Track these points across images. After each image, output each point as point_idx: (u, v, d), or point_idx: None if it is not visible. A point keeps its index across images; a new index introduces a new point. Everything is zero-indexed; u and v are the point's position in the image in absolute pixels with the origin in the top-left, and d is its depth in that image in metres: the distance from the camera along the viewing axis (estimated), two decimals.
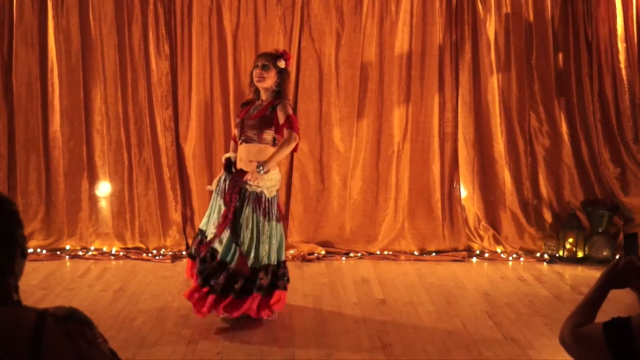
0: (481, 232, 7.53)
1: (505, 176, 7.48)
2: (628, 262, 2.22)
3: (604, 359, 2.12)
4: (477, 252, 7.41)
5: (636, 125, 7.31)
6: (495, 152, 7.46)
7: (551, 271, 6.95)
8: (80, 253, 7.19)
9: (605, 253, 7.15)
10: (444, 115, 7.43)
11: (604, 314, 2.24)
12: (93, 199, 7.37)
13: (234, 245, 5.26)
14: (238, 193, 5.28)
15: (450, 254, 7.33)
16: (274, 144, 5.31)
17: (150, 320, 5.43)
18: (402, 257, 7.27)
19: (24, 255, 1.95)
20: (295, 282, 6.38)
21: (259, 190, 5.27)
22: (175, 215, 7.37)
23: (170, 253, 7.18)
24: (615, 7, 7.22)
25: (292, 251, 7.24)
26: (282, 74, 5.38)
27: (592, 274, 6.76)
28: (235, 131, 5.55)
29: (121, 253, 7.22)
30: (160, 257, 7.12)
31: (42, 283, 6.30)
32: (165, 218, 7.35)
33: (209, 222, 5.50)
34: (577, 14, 7.35)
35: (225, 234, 5.30)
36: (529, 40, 7.39)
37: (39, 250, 7.13)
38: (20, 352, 1.78)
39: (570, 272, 6.96)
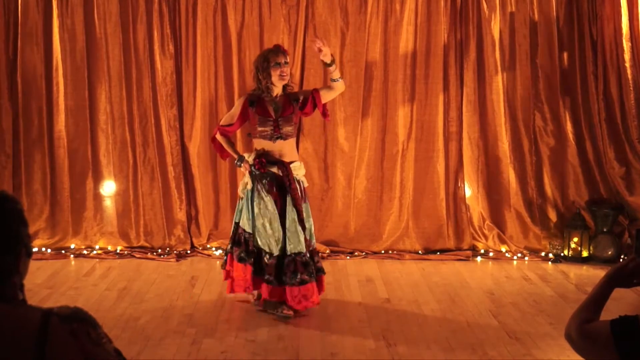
0: (486, 232, 7.52)
1: (510, 175, 7.46)
2: (637, 265, 2.23)
3: (609, 356, 2.12)
4: (482, 251, 7.40)
5: None
6: (499, 151, 7.45)
7: (556, 270, 6.94)
8: (85, 252, 7.20)
9: (610, 252, 7.13)
10: (448, 115, 7.42)
11: (608, 313, 2.24)
12: (98, 198, 7.38)
13: (299, 234, 5.43)
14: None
15: (454, 253, 7.32)
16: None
17: (154, 319, 5.43)
18: (407, 256, 7.26)
19: (29, 254, 1.96)
20: None
21: (300, 179, 5.58)
22: (180, 214, 7.37)
23: (175, 252, 7.19)
24: (620, 6, 7.20)
25: None
26: (289, 65, 5.58)
27: (597, 274, 6.74)
28: (260, 130, 5.49)
29: (126, 252, 7.22)
30: (165, 256, 7.12)
31: (47, 282, 6.32)
32: (170, 217, 7.36)
33: (253, 224, 5.51)
34: (582, 13, 7.34)
35: (275, 227, 5.43)
36: (533, 40, 7.38)
37: (43, 249, 7.15)
38: (25, 351, 1.78)
39: (575, 271, 6.95)
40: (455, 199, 7.48)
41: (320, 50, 5.44)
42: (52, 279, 6.41)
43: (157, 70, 7.26)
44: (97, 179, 7.37)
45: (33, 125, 7.27)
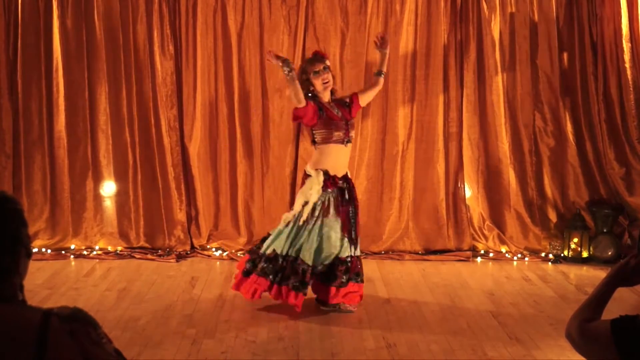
0: (486, 232, 7.52)
1: (510, 176, 7.47)
2: (639, 263, 2.22)
3: (610, 356, 2.12)
4: (482, 251, 7.40)
5: None
6: (500, 151, 7.46)
7: (556, 271, 6.94)
8: (85, 252, 7.20)
9: (610, 253, 7.13)
10: (448, 115, 7.42)
11: (609, 313, 2.24)
12: (98, 198, 7.38)
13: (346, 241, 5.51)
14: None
15: (454, 253, 7.32)
16: None
17: (154, 319, 5.43)
18: (407, 256, 7.26)
19: (29, 254, 1.96)
20: None
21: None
22: (180, 215, 7.37)
23: (175, 252, 7.19)
24: (620, 7, 7.20)
25: None
26: (330, 69, 5.61)
27: (597, 274, 6.74)
28: (336, 134, 5.49)
29: (126, 253, 7.22)
30: (165, 256, 7.12)
31: (47, 282, 6.32)
32: (170, 218, 7.36)
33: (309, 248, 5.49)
34: (582, 14, 7.34)
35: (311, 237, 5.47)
36: (533, 40, 7.38)
37: (43, 249, 7.15)
38: (25, 351, 1.78)
39: (575, 272, 6.95)
40: (456, 200, 7.48)
41: (381, 41, 5.67)
42: (52, 280, 6.41)
43: (157, 70, 7.26)
44: (97, 179, 7.36)
45: (33, 125, 7.27)
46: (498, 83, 7.40)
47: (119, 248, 7.30)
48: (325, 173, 5.50)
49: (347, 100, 5.71)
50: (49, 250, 7.16)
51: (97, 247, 7.30)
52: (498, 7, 7.34)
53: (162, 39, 7.25)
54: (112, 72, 7.26)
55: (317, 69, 5.47)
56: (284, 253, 5.51)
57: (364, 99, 5.82)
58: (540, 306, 5.88)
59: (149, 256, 7.14)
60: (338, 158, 5.56)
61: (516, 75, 7.40)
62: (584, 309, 2.27)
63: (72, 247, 7.26)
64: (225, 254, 7.22)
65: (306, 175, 5.61)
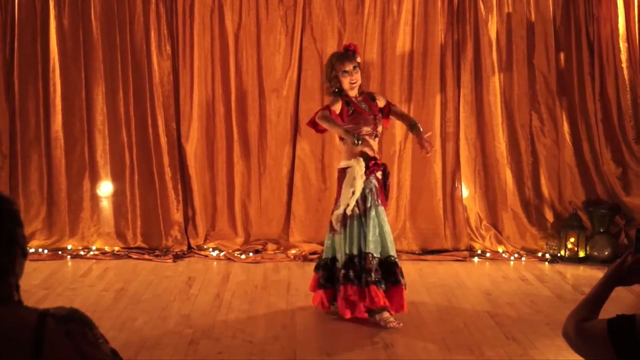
0: (483, 232, 7.52)
1: (507, 176, 7.47)
2: (636, 261, 2.22)
3: (607, 355, 2.12)
4: (479, 251, 7.40)
5: (638, 125, 7.31)
6: (496, 151, 7.46)
7: (553, 271, 6.95)
8: (82, 253, 7.19)
9: (606, 253, 7.14)
10: (445, 115, 7.42)
11: (606, 313, 2.24)
12: (94, 198, 7.37)
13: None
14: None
15: (451, 253, 7.32)
16: None
17: (151, 320, 5.43)
18: (404, 256, 7.24)
19: (25, 254, 1.95)
20: (297, 282, 6.40)
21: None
22: (177, 215, 7.37)
23: (172, 253, 7.18)
24: (617, 7, 7.22)
25: (293, 251, 7.26)
26: (360, 66, 5.39)
27: (594, 274, 6.75)
28: (365, 129, 5.31)
29: (122, 253, 7.21)
30: (162, 256, 7.11)
31: (43, 283, 6.31)
32: (167, 218, 7.36)
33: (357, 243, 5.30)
34: (579, 14, 7.35)
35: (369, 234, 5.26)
36: (530, 40, 7.39)
37: (40, 250, 7.14)
38: (21, 352, 1.78)
39: (572, 271, 6.95)
40: (453, 200, 7.48)
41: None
42: (48, 280, 6.40)
43: (154, 70, 7.26)
44: (94, 179, 7.35)
45: (30, 125, 7.26)
46: (495, 83, 7.40)
47: (116, 248, 7.29)
48: (364, 154, 5.22)
49: (379, 100, 5.49)
50: (45, 251, 7.15)
51: (94, 248, 7.29)
52: (495, 7, 7.35)
53: (159, 39, 7.25)
54: (109, 72, 7.25)
55: (346, 69, 5.27)
56: (350, 252, 5.28)
57: (394, 115, 5.61)
58: (537, 306, 5.88)
59: (146, 256, 7.13)
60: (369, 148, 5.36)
61: (513, 76, 7.41)
62: (581, 309, 2.27)
63: (69, 247, 7.25)
64: (222, 254, 7.21)
65: (340, 172, 5.38)
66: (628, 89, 7.26)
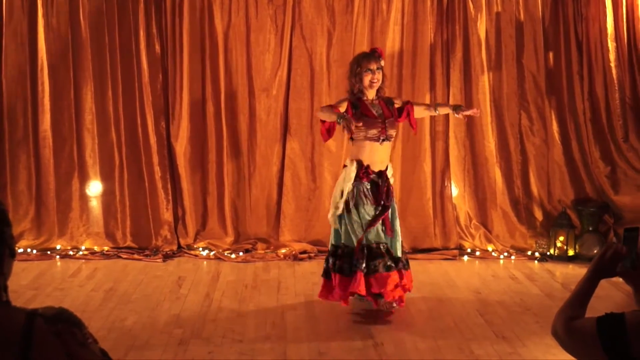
0: (472, 231, 7.54)
1: (496, 175, 7.49)
2: (615, 252, 2.24)
3: (596, 353, 2.13)
4: (469, 250, 7.41)
5: (626, 124, 7.33)
6: (486, 150, 7.48)
7: (542, 269, 6.97)
8: (71, 253, 7.17)
9: (595, 251, 7.16)
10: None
11: (595, 311, 2.25)
12: (84, 198, 7.35)
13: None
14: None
15: (441, 252, 7.33)
16: None
17: (141, 320, 5.42)
18: None
19: (13, 255, 1.94)
20: (287, 281, 6.40)
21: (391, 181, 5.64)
22: (167, 215, 7.35)
23: (161, 252, 7.16)
24: (605, 7, 7.23)
25: (283, 250, 7.25)
26: (383, 71, 5.60)
27: (583, 272, 6.60)
28: (366, 133, 5.44)
29: (112, 253, 7.19)
30: (152, 256, 7.10)
31: (32, 283, 6.29)
32: (157, 217, 7.34)
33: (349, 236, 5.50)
34: (568, 13, 7.37)
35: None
36: (519, 40, 7.41)
37: (29, 250, 7.11)
38: (10, 352, 1.77)
39: (561, 270, 6.97)
40: (442, 198, 7.50)
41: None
42: (37, 280, 6.38)
43: (143, 70, 7.24)
44: (83, 179, 7.33)
45: (18, 125, 7.23)
46: (484, 82, 7.42)
47: (105, 248, 7.27)
48: (359, 162, 5.51)
49: (397, 103, 5.70)
50: (34, 251, 7.12)
51: (83, 247, 7.26)
52: (484, 7, 7.36)
53: (148, 38, 7.23)
54: (97, 72, 7.23)
55: (371, 67, 5.49)
56: (337, 244, 5.61)
57: (417, 113, 5.77)
58: (526, 304, 5.90)
59: (136, 256, 7.12)
60: (372, 155, 5.52)
61: (502, 75, 7.43)
62: (568, 306, 2.28)
63: (58, 247, 7.23)
64: (212, 253, 7.20)
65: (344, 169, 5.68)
66: (616, 88, 7.28)
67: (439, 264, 7.07)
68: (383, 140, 5.50)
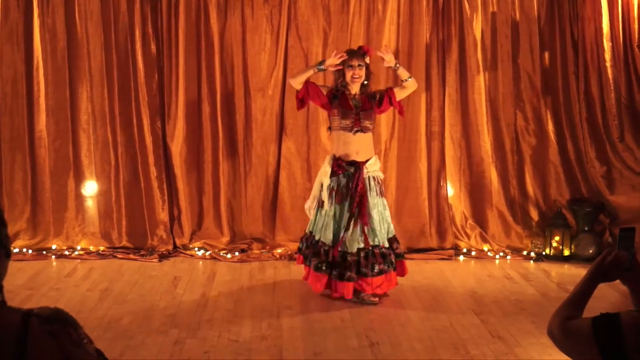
0: (468, 231, 7.54)
1: (492, 175, 7.50)
2: (616, 256, 2.24)
3: (591, 353, 2.13)
4: (464, 250, 7.42)
5: (622, 124, 7.35)
6: (482, 150, 7.48)
7: (538, 269, 6.98)
8: (67, 253, 7.15)
9: (591, 251, 7.17)
10: (431, 114, 7.44)
11: (591, 311, 2.25)
12: (79, 198, 7.34)
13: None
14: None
15: (437, 252, 7.33)
16: None
17: (137, 319, 5.41)
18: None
19: (8, 255, 1.94)
20: (283, 281, 6.39)
21: (376, 174, 5.82)
22: (162, 215, 7.35)
23: (157, 252, 7.15)
24: (601, 6, 7.25)
25: (279, 250, 7.25)
26: (368, 68, 5.86)
27: (579, 272, 6.78)
28: (342, 122, 5.75)
29: (108, 253, 7.18)
30: (147, 256, 7.09)
31: (28, 283, 6.28)
32: (152, 217, 7.33)
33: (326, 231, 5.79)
34: (563, 13, 7.39)
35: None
36: (515, 39, 7.42)
37: (24, 250, 7.10)
38: (5, 353, 1.77)
39: (557, 270, 6.98)
40: (438, 198, 7.50)
41: (383, 59, 5.79)
42: (33, 280, 6.37)
43: (138, 69, 7.23)
44: (79, 179, 7.32)
45: (14, 124, 7.22)
46: (480, 82, 7.43)
47: (101, 248, 7.26)
48: (333, 156, 5.82)
49: (378, 95, 5.89)
50: (30, 251, 7.11)
51: (78, 247, 7.25)
52: (480, 7, 7.37)
53: (144, 38, 7.22)
54: (93, 72, 7.22)
55: (352, 63, 5.76)
56: (309, 234, 5.96)
57: (398, 95, 5.96)
58: (522, 304, 5.90)
59: (131, 256, 7.11)
60: (346, 145, 5.78)
61: (498, 75, 7.44)
62: (565, 307, 2.28)
63: (54, 247, 7.22)
64: (208, 253, 7.20)
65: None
66: (612, 88, 7.29)
67: (434, 264, 7.08)
68: (357, 131, 5.74)
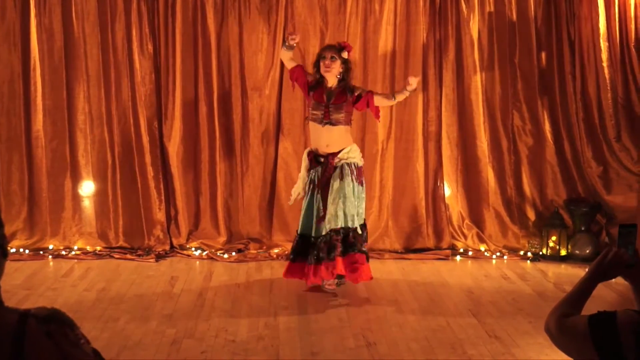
0: (465, 231, 7.55)
1: (489, 175, 7.50)
2: (615, 255, 2.24)
3: (587, 351, 2.13)
4: (461, 250, 7.42)
5: (619, 124, 7.36)
6: (478, 150, 7.49)
7: (534, 269, 6.98)
8: (64, 253, 7.15)
9: (588, 251, 7.18)
10: (427, 114, 7.44)
11: (587, 310, 2.25)
12: (76, 198, 7.33)
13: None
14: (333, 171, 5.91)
15: (434, 252, 7.33)
16: (350, 125, 6.08)
17: (134, 319, 5.41)
18: (386, 255, 7.27)
19: (5, 254, 1.94)
20: (280, 281, 6.39)
21: (354, 161, 5.93)
22: (159, 215, 7.34)
23: (154, 252, 7.15)
24: (598, 6, 7.26)
25: (276, 250, 7.25)
26: (346, 63, 5.99)
27: (576, 272, 6.79)
28: (312, 113, 6.00)
29: (104, 252, 7.18)
30: (144, 256, 7.08)
31: (25, 283, 6.27)
32: (149, 217, 7.33)
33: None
34: (560, 13, 7.39)
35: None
36: (512, 40, 7.42)
37: (21, 250, 7.09)
38: (2, 353, 1.77)
39: (554, 270, 6.99)
40: (435, 198, 7.50)
41: (409, 82, 5.91)
42: (30, 280, 6.36)
43: (135, 70, 7.22)
44: (76, 179, 7.32)
45: (11, 125, 7.21)
46: (477, 82, 7.43)
47: (98, 248, 7.26)
48: (308, 150, 6.11)
49: (358, 92, 6.00)
50: (27, 251, 7.10)
51: (75, 247, 7.24)
52: (477, 7, 7.37)
53: (141, 38, 7.22)
54: (90, 72, 7.21)
55: (324, 55, 5.99)
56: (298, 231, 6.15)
57: (377, 102, 6.05)
58: (519, 304, 5.91)
59: (128, 256, 7.10)
60: (317, 137, 6.01)
61: (495, 75, 7.44)
62: (563, 304, 2.28)
63: (51, 247, 7.21)
64: (204, 253, 7.20)
65: None
66: (609, 87, 7.31)
67: (431, 264, 7.08)
68: (326, 123, 5.91)
